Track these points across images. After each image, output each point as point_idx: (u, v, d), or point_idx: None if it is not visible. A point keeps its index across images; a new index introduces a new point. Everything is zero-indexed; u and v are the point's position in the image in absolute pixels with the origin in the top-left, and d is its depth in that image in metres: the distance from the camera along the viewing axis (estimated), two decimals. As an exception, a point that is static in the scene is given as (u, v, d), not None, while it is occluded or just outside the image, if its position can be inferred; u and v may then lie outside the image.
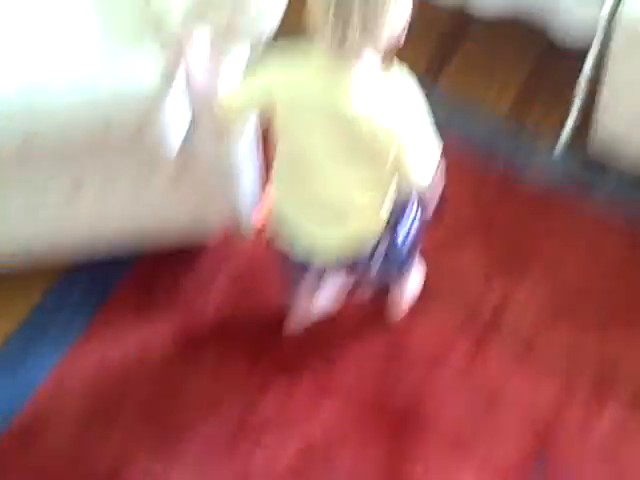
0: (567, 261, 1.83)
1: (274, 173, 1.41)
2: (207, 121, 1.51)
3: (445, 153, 1.36)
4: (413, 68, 1.30)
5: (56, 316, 1.75)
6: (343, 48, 1.19)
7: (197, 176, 1.61)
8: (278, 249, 1.51)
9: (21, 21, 1.47)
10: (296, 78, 1.27)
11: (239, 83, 1.37)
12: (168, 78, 1.40)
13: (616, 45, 1.73)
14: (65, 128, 1.41)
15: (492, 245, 1.86)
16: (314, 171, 1.32)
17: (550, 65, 2.16)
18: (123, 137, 1.44)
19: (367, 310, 1.76)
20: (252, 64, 1.47)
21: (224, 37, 1.41)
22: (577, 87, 1.92)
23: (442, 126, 1.37)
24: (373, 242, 1.43)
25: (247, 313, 1.77)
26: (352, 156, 1.29)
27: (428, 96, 1.31)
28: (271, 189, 1.44)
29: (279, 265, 1.59)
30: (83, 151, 1.49)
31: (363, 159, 1.30)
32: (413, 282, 1.73)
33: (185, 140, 1.52)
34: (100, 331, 1.74)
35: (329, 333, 1.73)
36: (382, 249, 1.45)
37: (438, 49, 2.23)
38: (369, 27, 1.17)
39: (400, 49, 1.27)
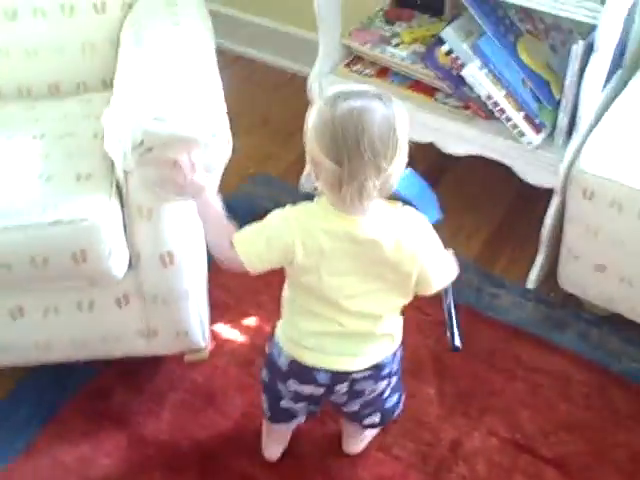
0: (527, 404, 1.82)
1: (288, 308, 1.44)
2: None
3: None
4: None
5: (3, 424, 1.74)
6: (361, 202, 1.26)
7: (143, 299, 1.64)
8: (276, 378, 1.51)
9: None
10: (316, 229, 1.31)
11: (255, 240, 1.34)
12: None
13: (571, 199, 1.80)
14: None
15: (449, 388, 1.85)
16: (338, 305, 1.36)
17: (524, 205, 2.24)
18: (62, 269, 1.50)
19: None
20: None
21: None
22: (542, 233, 1.98)
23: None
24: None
25: (198, 435, 1.74)
26: (375, 285, 1.35)
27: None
28: (285, 323, 1.47)
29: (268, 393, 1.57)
30: (23, 281, 1.54)
31: (386, 285, 1.35)
32: None
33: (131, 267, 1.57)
34: (44, 448, 1.71)
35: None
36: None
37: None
38: (383, 181, 1.24)
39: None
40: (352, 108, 1.21)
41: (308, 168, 1.25)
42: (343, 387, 1.47)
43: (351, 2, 2.16)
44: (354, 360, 1.43)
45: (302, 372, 1.44)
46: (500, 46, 1.90)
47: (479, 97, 1.93)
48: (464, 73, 1.91)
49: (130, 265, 1.58)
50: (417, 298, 1.45)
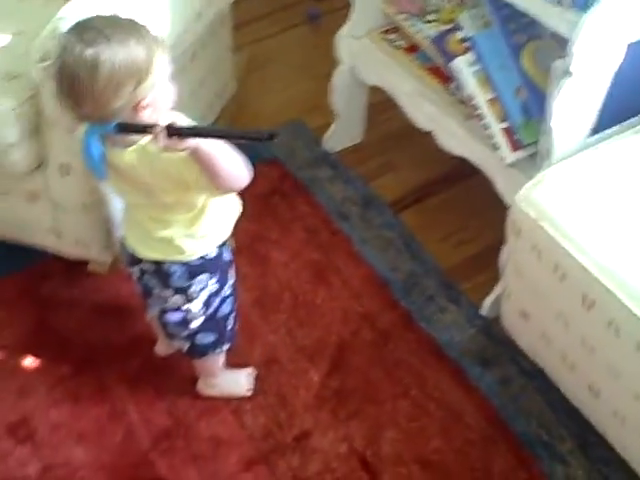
0: (400, 426, 1.70)
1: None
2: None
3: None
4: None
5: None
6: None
7: (50, 201, 1.73)
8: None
9: None
10: None
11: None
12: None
13: (509, 231, 1.61)
14: None
15: (334, 382, 1.78)
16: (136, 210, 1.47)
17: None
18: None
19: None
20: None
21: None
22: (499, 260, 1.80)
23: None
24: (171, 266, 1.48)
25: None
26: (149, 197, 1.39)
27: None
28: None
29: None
30: None
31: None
32: (221, 382, 1.73)
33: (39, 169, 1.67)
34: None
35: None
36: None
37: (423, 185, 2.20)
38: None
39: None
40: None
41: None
42: (136, 270, 1.53)
43: None
44: (140, 247, 1.48)
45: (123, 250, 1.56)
46: (503, 45, 1.72)
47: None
48: (451, 65, 1.75)
49: (40, 167, 1.68)
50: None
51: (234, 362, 1.75)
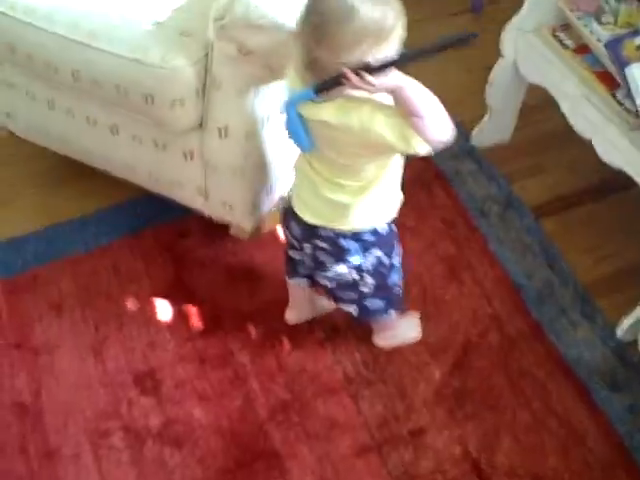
0: (518, 437, 1.67)
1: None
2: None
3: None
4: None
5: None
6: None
7: (203, 161, 1.76)
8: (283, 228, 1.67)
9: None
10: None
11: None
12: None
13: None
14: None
15: (456, 381, 1.75)
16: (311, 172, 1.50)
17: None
18: (137, 103, 1.67)
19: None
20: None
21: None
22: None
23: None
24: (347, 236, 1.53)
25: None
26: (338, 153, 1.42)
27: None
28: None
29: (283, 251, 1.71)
30: (113, 101, 1.72)
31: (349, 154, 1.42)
32: (396, 333, 1.78)
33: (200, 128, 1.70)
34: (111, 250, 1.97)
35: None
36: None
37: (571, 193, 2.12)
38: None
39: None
40: None
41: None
42: (308, 247, 1.59)
43: None
44: (309, 213, 1.53)
45: (286, 212, 1.62)
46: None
47: (642, 106, 1.68)
48: (626, 71, 1.67)
49: (200, 126, 1.71)
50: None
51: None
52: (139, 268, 1.93)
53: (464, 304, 1.87)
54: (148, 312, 1.84)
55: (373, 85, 1.28)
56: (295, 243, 1.63)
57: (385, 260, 1.59)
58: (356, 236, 1.54)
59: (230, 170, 1.74)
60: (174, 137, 1.75)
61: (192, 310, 1.85)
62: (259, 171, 1.77)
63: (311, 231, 1.55)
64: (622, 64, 1.71)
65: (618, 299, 1.89)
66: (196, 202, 1.87)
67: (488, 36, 2.01)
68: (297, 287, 1.76)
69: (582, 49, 1.92)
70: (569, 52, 1.93)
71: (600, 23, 1.88)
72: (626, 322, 1.80)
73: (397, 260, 1.64)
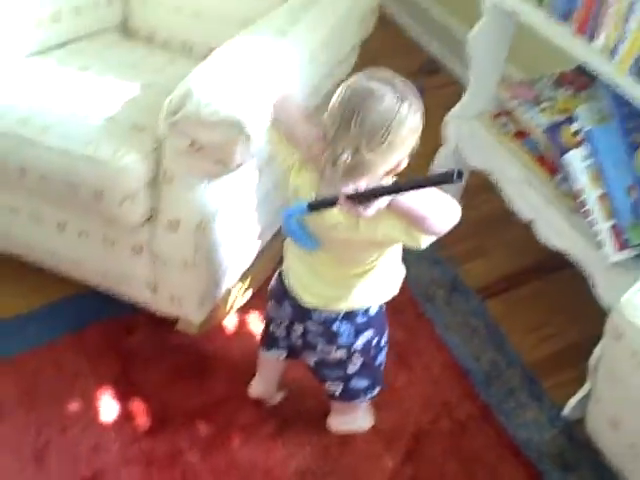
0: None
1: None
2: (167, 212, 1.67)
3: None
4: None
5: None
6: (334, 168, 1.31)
7: (152, 254, 1.76)
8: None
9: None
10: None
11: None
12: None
13: (606, 334, 1.57)
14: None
15: (409, 470, 1.74)
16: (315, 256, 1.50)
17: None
18: (86, 200, 1.68)
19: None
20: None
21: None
22: (589, 362, 1.74)
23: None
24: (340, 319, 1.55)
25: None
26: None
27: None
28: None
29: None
30: (61, 198, 1.73)
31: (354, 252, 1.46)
32: (355, 418, 1.78)
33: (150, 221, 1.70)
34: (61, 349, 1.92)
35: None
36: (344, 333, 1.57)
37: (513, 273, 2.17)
38: (355, 162, 1.29)
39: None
40: (366, 87, 1.29)
41: None
42: (299, 328, 1.61)
43: (543, 54, 2.05)
44: (308, 295, 1.55)
45: (278, 291, 1.63)
46: (620, 142, 1.70)
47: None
48: (564, 157, 1.73)
49: (150, 219, 1.71)
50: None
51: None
52: (84, 366, 1.89)
53: (414, 391, 1.87)
54: (92, 412, 1.80)
55: (363, 214, 1.29)
56: (282, 321, 1.64)
57: (375, 341, 1.61)
58: (349, 318, 1.55)
59: (180, 264, 1.73)
60: (124, 232, 1.75)
61: (139, 408, 1.81)
62: (209, 264, 1.77)
63: (304, 314, 1.57)
64: (561, 150, 1.78)
65: (562, 378, 1.92)
66: (144, 297, 1.86)
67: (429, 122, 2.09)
68: (271, 360, 1.76)
69: (522, 134, 2.00)
70: (509, 137, 2.00)
71: (540, 110, 1.96)
72: (572, 401, 1.82)
73: (385, 340, 1.66)
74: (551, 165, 1.91)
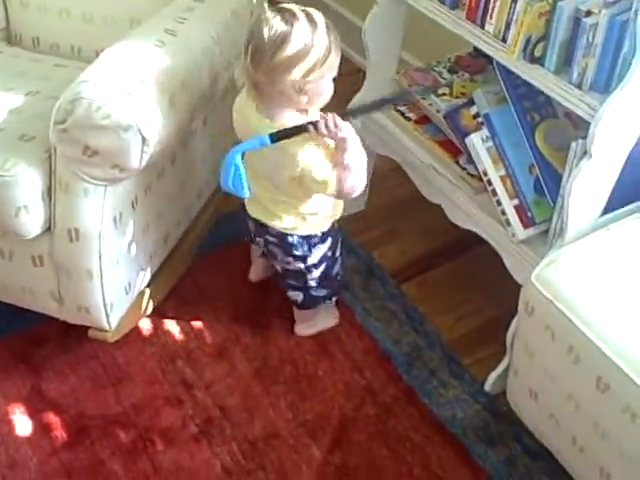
0: None
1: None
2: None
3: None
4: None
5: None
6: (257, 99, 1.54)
7: (54, 265, 1.69)
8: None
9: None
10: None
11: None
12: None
13: (520, 309, 1.59)
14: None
15: (337, 459, 1.73)
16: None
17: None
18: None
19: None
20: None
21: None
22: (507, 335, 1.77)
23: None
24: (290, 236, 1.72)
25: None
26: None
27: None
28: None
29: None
30: None
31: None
32: (317, 320, 1.94)
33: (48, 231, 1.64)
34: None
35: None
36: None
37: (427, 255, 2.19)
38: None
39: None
40: (262, 16, 1.46)
41: None
42: (261, 241, 1.79)
43: (439, 40, 2.03)
44: (265, 217, 1.72)
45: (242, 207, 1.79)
46: (516, 122, 1.72)
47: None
48: (466, 141, 1.75)
49: (49, 229, 1.64)
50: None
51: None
52: (-7, 383, 1.82)
53: (337, 378, 1.86)
54: (5, 429, 1.72)
55: (336, 132, 1.49)
56: (251, 232, 1.81)
57: (329, 253, 1.78)
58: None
59: (84, 273, 1.67)
60: (20, 244, 1.67)
61: (55, 421, 1.74)
62: (115, 271, 1.72)
63: (262, 228, 1.73)
64: (462, 133, 1.80)
65: (482, 354, 1.94)
66: (50, 308, 1.78)
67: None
68: (256, 249, 1.94)
69: (423, 120, 2.01)
70: (411, 124, 2.01)
71: (438, 95, 1.98)
72: (492, 376, 1.85)
73: (338, 252, 1.82)
74: (454, 148, 1.92)
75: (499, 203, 1.74)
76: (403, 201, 2.28)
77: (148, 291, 1.91)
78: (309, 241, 1.74)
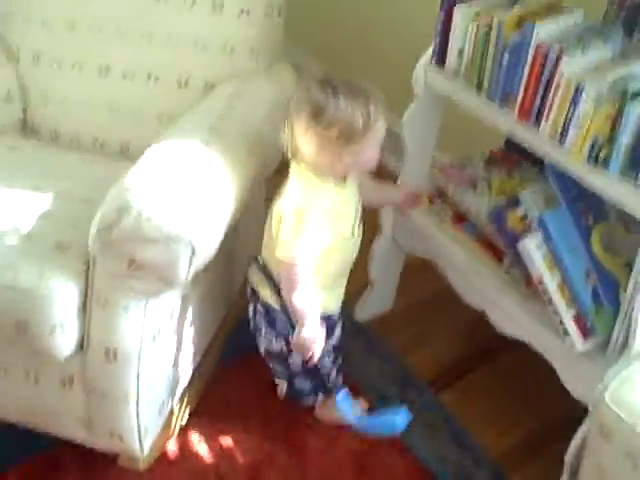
0: None
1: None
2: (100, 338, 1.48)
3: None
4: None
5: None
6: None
7: (86, 387, 1.54)
8: None
9: None
10: None
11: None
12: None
13: (591, 429, 1.48)
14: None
15: None
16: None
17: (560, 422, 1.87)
18: (6, 333, 1.46)
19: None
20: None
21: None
22: (566, 455, 1.65)
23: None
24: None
25: None
26: None
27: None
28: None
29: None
30: None
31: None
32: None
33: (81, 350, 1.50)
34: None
35: None
36: None
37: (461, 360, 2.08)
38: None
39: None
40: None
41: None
42: (251, 308, 1.70)
43: (473, 135, 1.99)
44: (257, 283, 1.65)
45: None
46: (572, 226, 1.64)
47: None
48: (519, 246, 1.66)
49: (81, 348, 1.50)
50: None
51: None
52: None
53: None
54: None
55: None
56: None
57: None
58: (286, 310, 1.58)
59: (120, 396, 1.53)
60: (49, 364, 1.53)
61: None
62: (151, 392, 1.57)
63: (254, 295, 1.66)
64: (510, 237, 1.71)
65: (531, 471, 1.82)
66: (78, 434, 1.63)
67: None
68: None
69: (460, 218, 1.91)
70: (448, 222, 1.91)
71: (476, 193, 1.89)
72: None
73: (331, 346, 1.68)
74: (495, 250, 1.84)
75: (556, 312, 1.65)
76: (435, 298, 2.17)
77: (177, 408, 1.76)
78: (291, 320, 1.59)
